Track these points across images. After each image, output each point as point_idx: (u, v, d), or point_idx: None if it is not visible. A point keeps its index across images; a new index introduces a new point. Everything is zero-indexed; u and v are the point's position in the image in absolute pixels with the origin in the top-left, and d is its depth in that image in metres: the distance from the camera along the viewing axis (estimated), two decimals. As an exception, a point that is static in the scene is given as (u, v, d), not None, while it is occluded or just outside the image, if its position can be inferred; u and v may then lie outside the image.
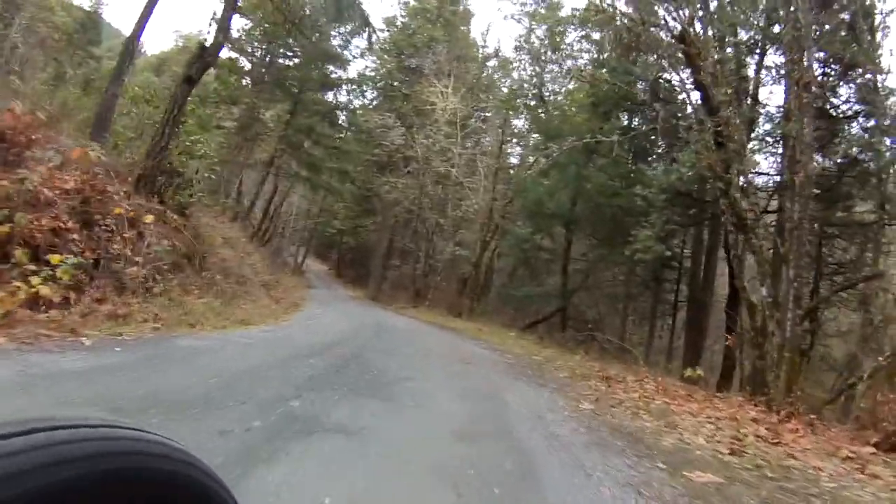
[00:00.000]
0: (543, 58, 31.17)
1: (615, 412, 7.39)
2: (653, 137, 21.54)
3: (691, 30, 13.46)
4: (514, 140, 37.66)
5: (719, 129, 12.52)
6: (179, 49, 55.03)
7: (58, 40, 30.65)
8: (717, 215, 19.27)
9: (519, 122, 36.07)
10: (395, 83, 41.37)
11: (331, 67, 33.93)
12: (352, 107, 39.35)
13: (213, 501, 0.60)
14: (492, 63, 40.79)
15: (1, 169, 8.59)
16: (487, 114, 38.51)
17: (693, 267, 22.94)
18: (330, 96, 34.44)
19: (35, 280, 7.03)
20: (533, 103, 30.31)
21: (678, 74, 15.83)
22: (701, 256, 22.80)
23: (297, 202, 48.07)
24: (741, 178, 12.86)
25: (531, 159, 32.08)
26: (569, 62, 30.40)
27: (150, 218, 11.12)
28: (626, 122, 23.35)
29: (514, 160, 37.41)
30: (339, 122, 35.42)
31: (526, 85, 31.91)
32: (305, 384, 6.21)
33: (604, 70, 23.75)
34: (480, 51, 41.72)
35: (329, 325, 14.96)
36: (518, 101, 31.61)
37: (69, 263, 7.97)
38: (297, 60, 32.34)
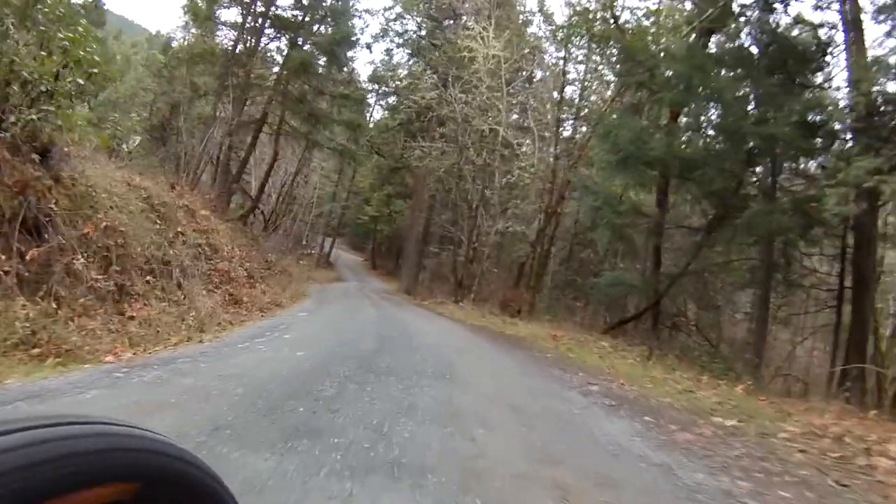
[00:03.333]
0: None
1: None
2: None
3: None
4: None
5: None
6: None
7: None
8: None
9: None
10: (424, 32, 34.69)
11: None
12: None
13: (213, 501, 0.57)
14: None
15: None
16: (536, 74, 31.00)
17: (859, 231, 14.62)
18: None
19: None
20: (603, 30, 22.31)
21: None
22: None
23: (318, 182, 41.20)
24: None
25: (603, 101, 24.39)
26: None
27: None
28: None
29: (567, 131, 29.79)
30: (346, 60, 27.76)
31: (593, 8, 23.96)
32: None
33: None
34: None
35: (274, 355, 7.63)
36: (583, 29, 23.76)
37: None
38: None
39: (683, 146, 15.08)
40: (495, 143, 26.13)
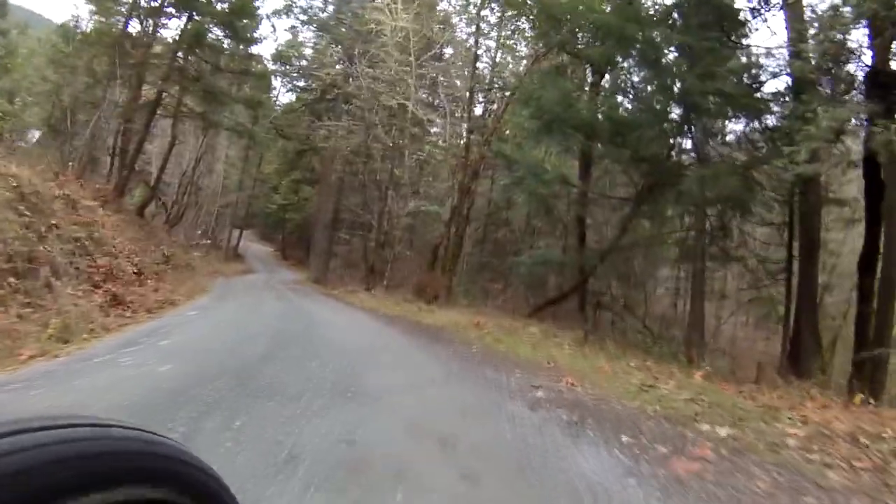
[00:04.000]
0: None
1: None
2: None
3: None
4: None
5: None
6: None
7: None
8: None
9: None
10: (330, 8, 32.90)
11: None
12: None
13: (214, 501, 0.57)
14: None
15: None
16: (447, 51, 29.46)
17: (805, 198, 13.36)
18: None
19: None
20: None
21: None
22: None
23: (222, 171, 38.60)
24: None
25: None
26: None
27: None
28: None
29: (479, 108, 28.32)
30: (248, 36, 25.25)
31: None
32: None
33: None
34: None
35: (134, 372, 5.68)
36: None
37: None
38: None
39: (611, 108, 13.84)
40: (405, 121, 24.69)
